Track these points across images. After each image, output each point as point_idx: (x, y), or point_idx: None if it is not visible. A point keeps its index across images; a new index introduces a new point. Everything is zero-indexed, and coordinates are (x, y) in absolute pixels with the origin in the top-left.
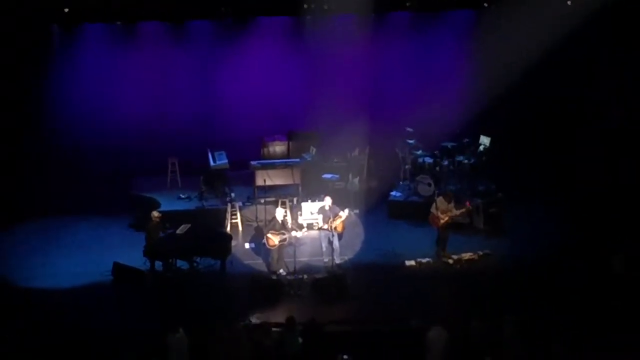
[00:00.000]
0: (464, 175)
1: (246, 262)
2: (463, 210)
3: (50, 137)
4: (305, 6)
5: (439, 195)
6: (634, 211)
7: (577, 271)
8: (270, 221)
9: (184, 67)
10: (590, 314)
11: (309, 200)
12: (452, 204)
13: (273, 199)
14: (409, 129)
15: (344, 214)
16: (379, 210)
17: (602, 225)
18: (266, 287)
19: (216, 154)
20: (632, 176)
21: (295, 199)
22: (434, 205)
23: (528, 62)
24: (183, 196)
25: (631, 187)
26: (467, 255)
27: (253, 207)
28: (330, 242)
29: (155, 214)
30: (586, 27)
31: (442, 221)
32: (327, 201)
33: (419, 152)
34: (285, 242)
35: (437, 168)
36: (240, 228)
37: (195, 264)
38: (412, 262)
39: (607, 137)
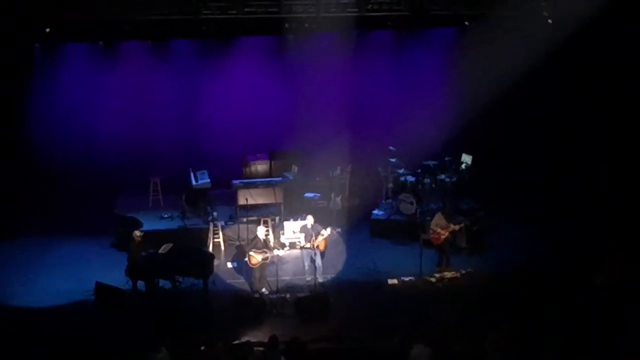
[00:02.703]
0: (446, 193)
1: (229, 281)
2: (462, 225)
3: (31, 156)
4: (287, 25)
5: (437, 211)
6: (616, 226)
7: (559, 288)
8: (252, 240)
9: (166, 86)
10: (573, 330)
11: (291, 219)
12: (451, 219)
13: (255, 218)
14: (391, 148)
15: (326, 232)
16: (361, 228)
17: (583, 240)
18: (249, 306)
19: (198, 173)
20: (613, 192)
21: (277, 218)
22: (433, 221)
23: (509, 80)
24: (165, 216)
25: (613, 202)
26: (449, 274)
27: (235, 226)
28: (313, 261)
29: (137, 233)
30: (567, 45)
31: (442, 237)
32: (309, 220)
33: (401, 170)
34: (268, 261)
35: (420, 186)
36: (222, 247)
37: (177, 284)
38: (395, 281)
39: (589, 153)
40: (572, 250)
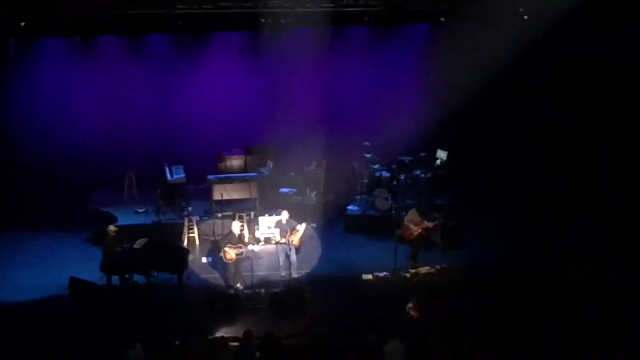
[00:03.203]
0: (422, 189)
1: (204, 276)
2: (436, 222)
3: (6, 151)
4: (263, 21)
5: (412, 208)
6: (591, 221)
7: (534, 283)
8: (227, 235)
9: (141, 81)
10: (549, 325)
11: (267, 215)
12: (425, 217)
13: (230, 213)
14: (366, 144)
15: (302, 228)
16: (337, 224)
17: (559, 236)
18: (224, 302)
19: (173, 168)
20: (589, 187)
21: (252, 213)
22: (406, 217)
23: (485, 76)
24: (140, 211)
25: (587, 197)
26: (424, 269)
27: (210, 222)
28: (288, 257)
29: (112, 228)
30: (543, 41)
31: (415, 233)
32: (285, 215)
33: (377, 166)
34: (243, 256)
35: (395, 182)
36: (197, 242)
37: (152, 279)
38: (370, 276)
39: (565, 149)
40: (547, 246)
